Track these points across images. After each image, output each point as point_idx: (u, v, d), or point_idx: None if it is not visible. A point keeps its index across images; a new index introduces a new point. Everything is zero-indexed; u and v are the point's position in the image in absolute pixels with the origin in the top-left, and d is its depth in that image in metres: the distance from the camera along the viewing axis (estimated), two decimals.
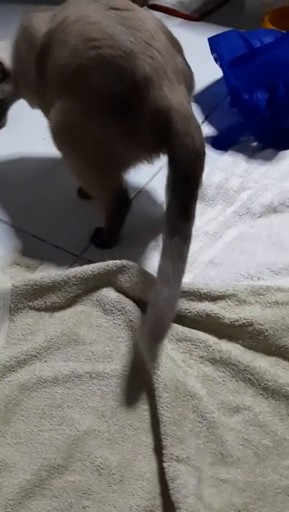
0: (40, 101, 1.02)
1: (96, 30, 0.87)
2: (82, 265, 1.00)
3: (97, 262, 0.99)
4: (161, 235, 1.05)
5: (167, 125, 0.85)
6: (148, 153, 0.92)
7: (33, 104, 1.10)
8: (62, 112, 0.91)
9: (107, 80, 0.86)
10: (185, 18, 1.81)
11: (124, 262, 0.94)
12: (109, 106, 0.86)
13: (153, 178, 1.19)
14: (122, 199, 1.02)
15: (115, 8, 0.89)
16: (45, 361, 0.85)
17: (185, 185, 0.84)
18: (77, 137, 0.91)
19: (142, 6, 1.87)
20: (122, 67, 0.85)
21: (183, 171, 0.84)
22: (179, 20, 1.81)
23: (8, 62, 1.08)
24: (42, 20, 0.99)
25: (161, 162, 0.90)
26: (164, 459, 0.72)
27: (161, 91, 0.85)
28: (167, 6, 1.85)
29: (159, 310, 0.79)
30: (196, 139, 0.85)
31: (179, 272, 0.81)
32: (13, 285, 0.91)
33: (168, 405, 0.76)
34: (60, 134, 0.93)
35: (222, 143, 1.27)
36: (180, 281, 0.81)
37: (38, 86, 0.99)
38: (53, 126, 0.93)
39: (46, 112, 0.99)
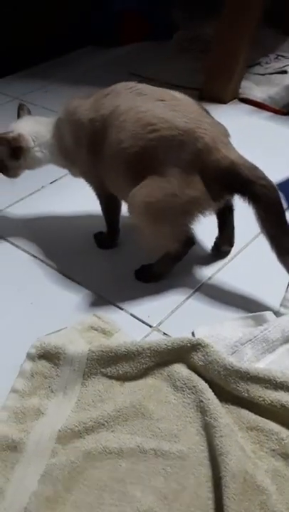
0: (88, 172, 1.18)
1: (151, 117, 1.03)
2: (156, 337, 1.01)
3: (172, 335, 1.00)
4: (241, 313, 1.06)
5: (237, 177, 1.01)
6: (218, 204, 1.07)
7: (75, 174, 1.24)
8: (142, 193, 1.03)
9: (171, 154, 1.01)
10: (274, 112, 1.89)
11: (199, 339, 0.93)
12: (181, 175, 1.00)
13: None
14: (188, 243, 1.12)
15: (162, 100, 1.05)
16: (112, 431, 0.84)
17: (278, 212, 1.01)
18: (159, 209, 1.03)
19: (232, 99, 1.98)
20: (183, 142, 1.00)
21: (272, 204, 1.00)
22: (267, 113, 1.89)
23: (28, 138, 1.18)
24: (85, 108, 1.13)
25: None
26: None
27: (221, 152, 1.01)
28: (257, 100, 1.94)
29: None
30: (267, 178, 1.01)
31: None
32: (89, 350, 0.93)
33: (235, 497, 0.73)
34: (144, 212, 1.04)
35: None
36: None
37: (88, 161, 1.14)
38: (136, 206, 1.04)
39: (92, 181, 1.19)
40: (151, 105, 1.04)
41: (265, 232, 1.02)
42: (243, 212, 1.21)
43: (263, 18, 1.89)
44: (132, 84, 1.11)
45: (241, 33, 1.82)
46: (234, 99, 1.98)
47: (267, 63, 2.19)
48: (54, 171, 1.28)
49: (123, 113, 1.05)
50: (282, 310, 1.06)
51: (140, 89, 1.09)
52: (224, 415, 0.84)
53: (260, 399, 0.86)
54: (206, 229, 1.10)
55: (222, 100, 1.96)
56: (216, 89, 1.96)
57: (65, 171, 1.28)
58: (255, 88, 2.00)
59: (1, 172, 1.22)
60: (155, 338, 0.99)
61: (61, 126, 1.18)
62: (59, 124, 1.18)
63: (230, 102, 1.97)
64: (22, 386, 0.92)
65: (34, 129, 1.20)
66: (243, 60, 1.91)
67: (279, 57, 2.23)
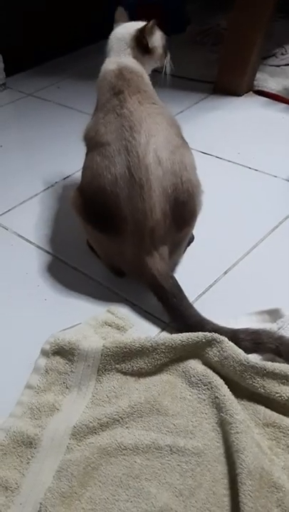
0: None
1: (108, 181, 1.00)
2: (170, 333, 1.00)
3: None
4: None
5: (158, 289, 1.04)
6: None
7: None
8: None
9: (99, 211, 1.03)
10: None
11: (214, 335, 0.92)
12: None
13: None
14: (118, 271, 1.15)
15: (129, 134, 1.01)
16: (126, 427, 0.84)
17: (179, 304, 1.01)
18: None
19: (246, 91, 1.96)
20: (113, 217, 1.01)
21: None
22: (283, 105, 1.86)
23: None
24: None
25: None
26: None
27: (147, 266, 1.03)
28: (272, 92, 1.92)
29: None
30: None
31: None
32: (103, 346, 0.92)
33: (251, 494, 0.72)
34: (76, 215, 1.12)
35: None
36: None
37: None
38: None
39: None
40: (115, 157, 1.01)
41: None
42: (257, 207, 1.20)
43: (278, 9, 1.85)
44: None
45: (255, 24, 1.80)
46: (249, 91, 1.96)
47: (282, 54, 2.16)
48: (67, 166, 1.27)
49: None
50: None
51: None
52: (240, 411, 0.83)
53: (276, 395, 0.85)
54: (216, 224, 1.09)
55: (236, 93, 1.94)
56: (230, 81, 1.94)
57: (77, 168, 1.27)
58: (270, 80, 1.97)
59: None
60: (169, 334, 0.99)
61: None
62: None
63: (245, 95, 1.95)
64: (37, 382, 0.92)
65: None
66: (257, 52, 1.88)
67: None
